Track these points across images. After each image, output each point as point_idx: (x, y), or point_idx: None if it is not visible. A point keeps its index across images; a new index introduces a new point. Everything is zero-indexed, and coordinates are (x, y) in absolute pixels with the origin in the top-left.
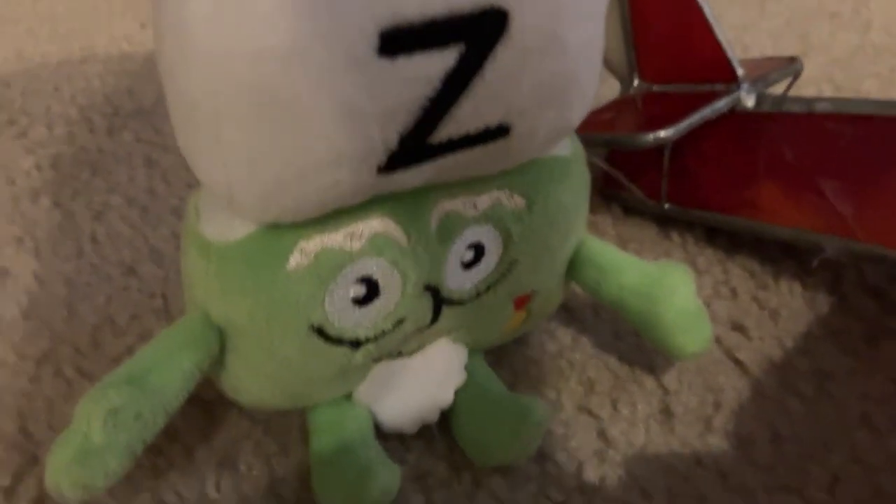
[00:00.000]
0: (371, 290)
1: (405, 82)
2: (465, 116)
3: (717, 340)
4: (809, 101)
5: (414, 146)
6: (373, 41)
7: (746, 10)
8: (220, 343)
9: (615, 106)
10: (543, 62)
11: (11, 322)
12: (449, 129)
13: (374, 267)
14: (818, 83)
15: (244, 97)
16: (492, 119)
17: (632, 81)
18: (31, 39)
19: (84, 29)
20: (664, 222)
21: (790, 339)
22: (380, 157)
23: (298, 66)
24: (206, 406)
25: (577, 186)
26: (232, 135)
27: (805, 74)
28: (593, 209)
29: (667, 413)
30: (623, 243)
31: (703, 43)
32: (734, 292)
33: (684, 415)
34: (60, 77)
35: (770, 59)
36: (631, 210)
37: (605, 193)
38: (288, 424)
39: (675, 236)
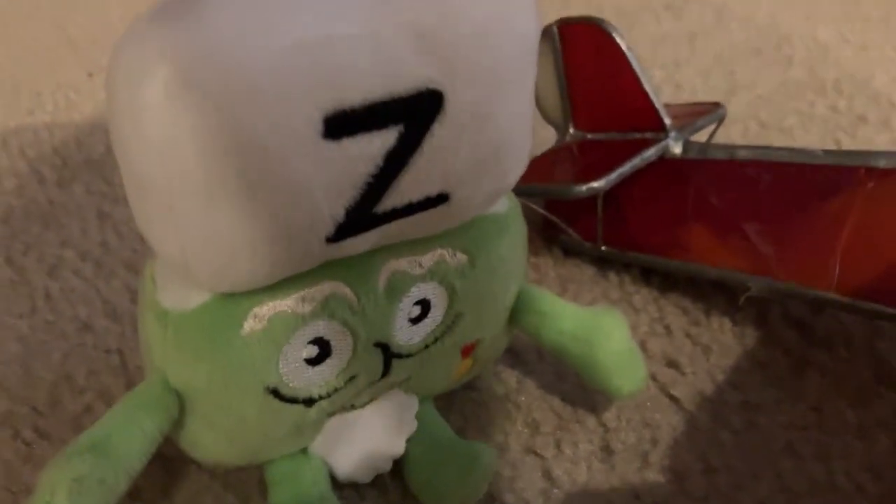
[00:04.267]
0: (323, 349)
1: (349, 161)
2: (407, 188)
3: (653, 377)
4: (731, 149)
5: (360, 217)
6: (318, 126)
7: (678, 47)
8: (178, 405)
9: (552, 155)
10: (477, 135)
11: None
12: (392, 199)
13: (326, 328)
14: (745, 121)
15: (196, 180)
16: (432, 189)
17: (567, 130)
18: None
19: (29, 77)
20: (602, 263)
21: (721, 373)
22: (328, 228)
23: (247, 151)
24: (166, 462)
25: (515, 240)
26: (185, 212)
27: (732, 112)
28: (535, 251)
29: (607, 450)
30: (563, 284)
31: (632, 94)
32: (668, 329)
33: (623, 451)
34: (8, 130)
35: (696, 104)
36: (570, 252)
37: (546, 236)
38: (247, 478)
39: (613, 276)
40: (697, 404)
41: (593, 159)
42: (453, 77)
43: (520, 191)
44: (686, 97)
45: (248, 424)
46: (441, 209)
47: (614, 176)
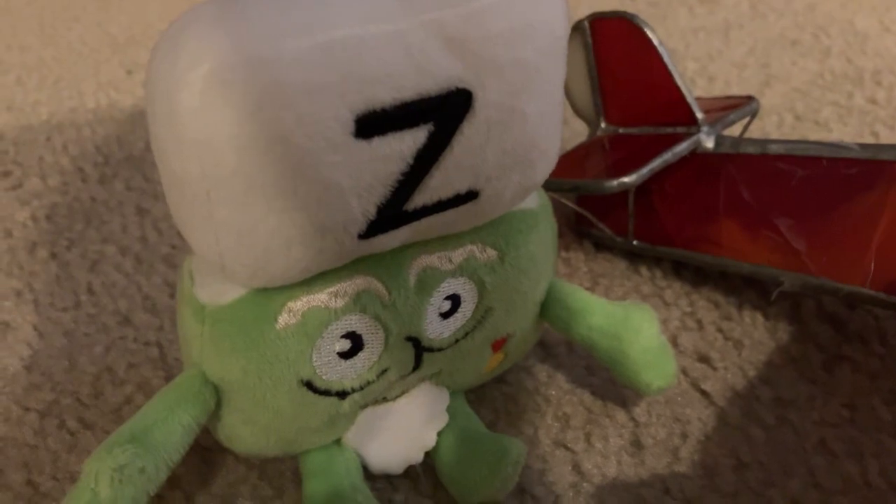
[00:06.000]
0: (355, 343)
1: (380, 160)
2: (437, 185)
3: (684, 372)
4: (764, 143)
5: (391, 214)
6: (349, 126)
7: (711, 39)
8: (216, 398)
9: (584, 149)
10: (506, 133)
11: (14, 375)
12: (422, 197)
13: (358, 323)
14: (780, 112)
15: (232, 179)
16: (461, 186)
17: (599, 124)
18: (21, 89)
19: (72, 76)
20: (633, 258)
21: (753, 368)
22: (360, 226)
23: (280, 151)
24: (204, 453)
25: (544, 236)
26: (222, 212)
27: (767, 104)
28: (566, 246)
29: (637, 445)
30: (595, 278)
31: (664, 88)
32: (700, 324)
33: (653, 446)
34: (51, 127)
35: (729, 97)
36: (602, 246)
37: (578, 230)
38: (282, 469)
39: (644, 271)
40: (728, 399)
41: (625, 154)
42: (482, 76)
43: (551, 186)
44: (720, 90)
45: (282, 416)
46: (470, 206)
47: (645, 171)
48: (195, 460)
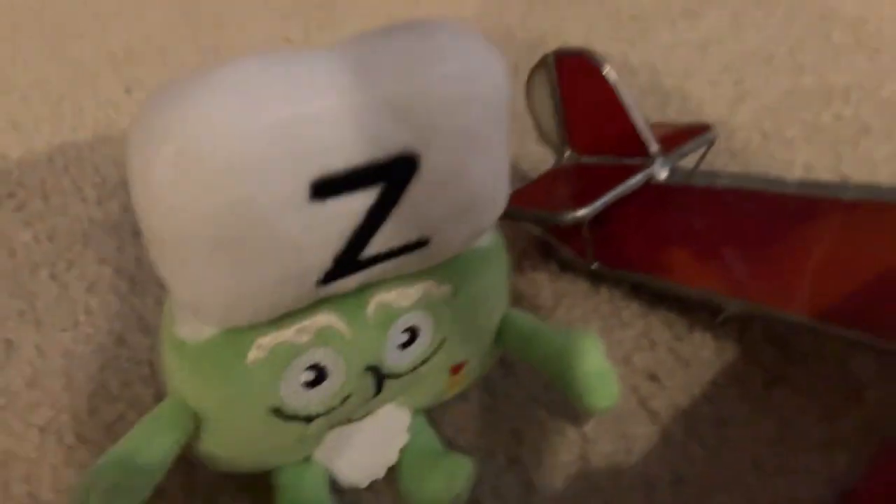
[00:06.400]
0: (320, 374)
1: (334, 218)
2: (388, 236)
3: (635, 390)
4: (713, 176)
5: (346, 263)
6: (305, 191)
7: (690, 55)
8: (195, 423)
9: (550, 177)
10: (451, 190)
11: (16, 392)
12: (375, 247)
13: (321, 356)
14: (748, 130)
15: (202, 241)
16: (411, 236)
17: (564, 152)
18: (25, 106)
19: (73, 94)
20: (595, 278)
21: (698, 387)
22: (318, 274)
23: (243, 215)
24: (187, 465)
25: (496, 273)
26: (194, 267)
27: (737, 122)
28: (533, 266)
29: (585, 460)
30: (558, 298)
31: (621, 122)
32: (653, 343)
33: (599, 461)
34: (53, 147)
35: (689, 126)
36: (566, 266)
37: (544, 251)
38: (259, 481)
39: (605, 291)
40: (673, 417)
41: (585, 184)
42: (427, 142)
43: (514, 214)
44: (693, 108)
45: (254, 439)
46: (421, 252)
47: (598, 204)
48: (179, 472)
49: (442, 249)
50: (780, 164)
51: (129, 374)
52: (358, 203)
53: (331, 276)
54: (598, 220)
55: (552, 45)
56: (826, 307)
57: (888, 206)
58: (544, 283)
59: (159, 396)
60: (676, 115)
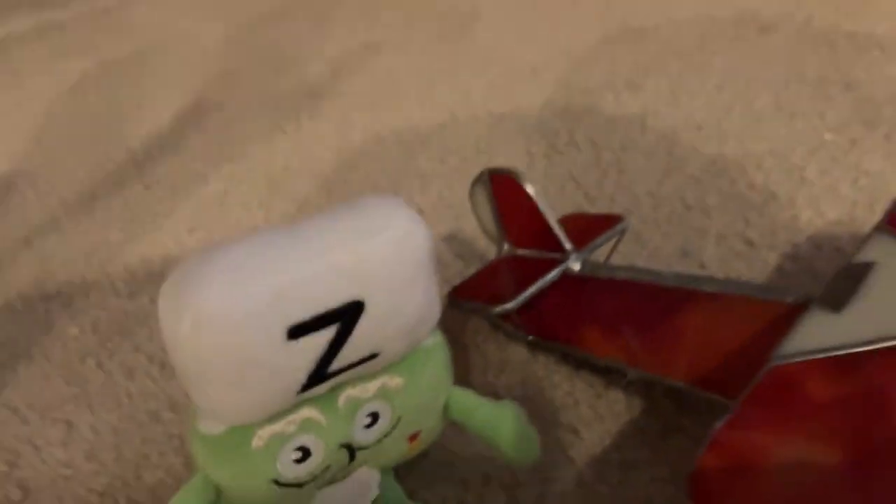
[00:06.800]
0: (305, 453)
1: (306, 350)
2: (346, 356)
3: (559, 442)
4: (613, 269)
5: (317, 378)
6: (284, 335)
7: (629, 127)
8: (216, 493)
9: (488, 269)
10: (392, 320)
11: (79, 465)
12: (337, 364)
13: (306, 439)
14: (672, 202)
15: (213, 375)
16: (364, 353)
17: (503, 245)
18: (63, 207)
19: (101, 192)
20: (533, 348)
21: (609, 437)
22: (297, 387)
23: (242, 356)
24: None
25: (437, 364)
26: (208, 387)
27: (664, 193)
28: (484, 339)
29: (515, 500)
30: (503, 364)
31: (542, 225)
32: (577, 401)
33: (527, 501)
34: (90, 247)
35: (606, 217)
36: (510, 338)
37: (492, 326)
38: None
39: (540, 358)
40: (587, 463)
41: (516, 275)
42: (370, 291)
43: (460, 307)
44: (627, 182)
45: (261, 502)
46: (374, 361)
47: (521, 298)
48: None
49: (390, 357)
50: (696, 233)
51: (164, 445)
52: (322, 338)
53: (306, 387)
54: (530, 302)
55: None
56: (697, 376)
57: (738, 298)
58: (493, 353)
59: (188, 463)
60: (614, 188)
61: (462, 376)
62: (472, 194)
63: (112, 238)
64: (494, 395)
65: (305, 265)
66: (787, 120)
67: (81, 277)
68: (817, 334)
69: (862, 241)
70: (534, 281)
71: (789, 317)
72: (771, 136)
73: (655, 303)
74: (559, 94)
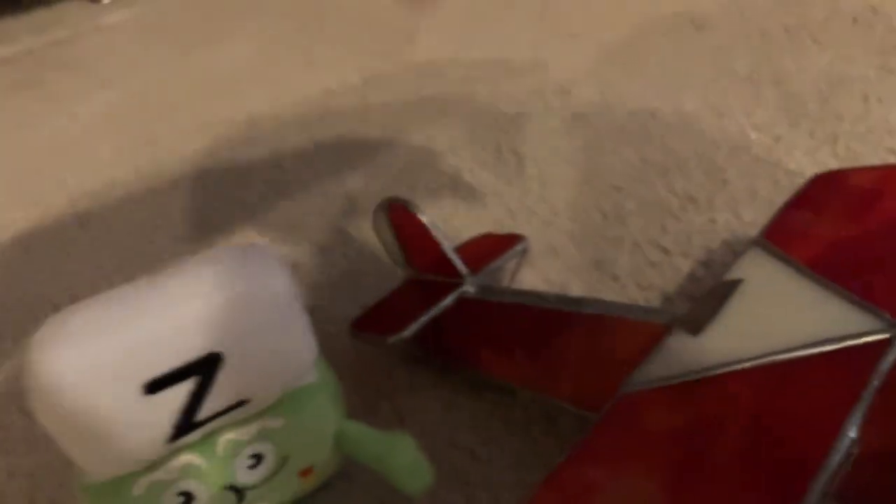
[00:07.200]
0: (188, 497)
1: (166, 403)
2: (211, 405)
3: (455, 466)
4: (502, 293)
5: (184, 427)
6: (140, 390)
7: (556, 136)
8: None
9: (392, 296)
10: (255, 367)
11: None
12: (203, 413)
13: (187, 485)
14: (589, 211)
15: (71, 430)
16: (231, 400)
17: (406, 268)
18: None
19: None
20: (443, 369)
21: (507, 457)
22: (165, 437)
23: (97, 412)
24: None
25: (323, 401)
26: (73, 444)
27: (580, 202)
28: (392, 363)
29: None
30: (413, 389)
31: (438, 251)
32: (475, 424)
33: None
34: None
35: (508, 238)
36: (421, 360)
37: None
38: None
39: (449, 380)
40: (483, 485)
41: (415, 301)
42: (226, 343)
43: (358, 338)
44: (550, 193)
45: None
46: (246, 406)
47: (416, 326)
48: None
49: (263, 402)
50: (611, 243)
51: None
52: (182, 390)
53: (175, 436)
54: (435, 326)
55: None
56: (581, 397)
57: (618, 319)
58: (402, 376)
59: None
60: (535, 201)
61: (371, 399)
62: (374, 220)
63: (42, 279)
64: (400, 418)
65: (158, 321)
66: (715, 119)
67: (10, 320)
68: (671, 359)
69: (738, 254)
70: (434, 306)
71: (662, 338)
72: (696, 137)
73: (541, 325)
74: (489, 110)
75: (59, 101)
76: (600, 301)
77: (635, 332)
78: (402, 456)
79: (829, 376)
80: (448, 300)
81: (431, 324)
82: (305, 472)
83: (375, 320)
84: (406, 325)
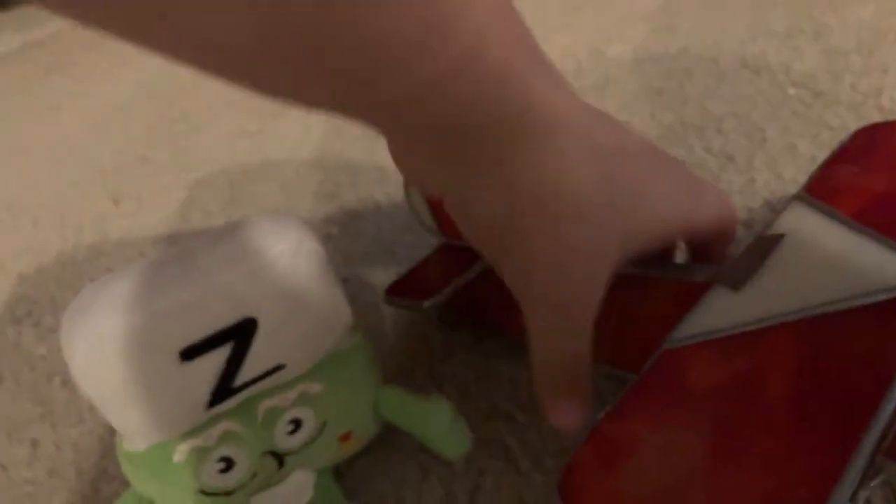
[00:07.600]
0: (229, 464)
1: (203, 369)
2: (249, 370)
3: (497, 429)
4: None
5: (222, 393)
6: (176, 357)
7: (591, 95)
8: None
9: (425, 262)
10: (290, 332)
11: (41, 482)
12: (241, 378)
13: (227, 451)
14: None
15: (113, 397)
16: (268, 365)
17: (441, 236)
18: (35, 230)
19: (73, 212)
20: (477, 334)
21: (546, 423)
22: (204, 403)
23: (137, 380)
24: None
25: (359, 366)
26: (115, 411)
27: None
28: (429, 325)
29: (451, 496)
30: (449, 354)
31: None
32: (515, 388)
33: (460, 495)
34: (60, 264)
35: None
36: (455, 325)
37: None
38: None
39: (485, 343)
40: (524, 451)
41: (445, 268)
42: (261, 308)
43: (391, 304)
44: None
45: None
46: (281, 373)
47: (440, 297)
48: None
49: (299, 366)
50: None
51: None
52: (219, 356)
53: (213, 403)
54: (468, 291)
55: None
56: (620, 357)
57: (657, 278)
58: (438, 342)
59: None
60: None
61: (407, 365)
62: (406, 193)
63: (79, 256)
64: (438, 383)
65: (192, 288)
66: (752, 76)
67: (50, 297)
68: (712, 315)
69: (778, 210)
70: (465, 272)
71: (700, 295)
72: (733, 95)
73: None
74: None
75: (92, 81)
76: (638, 260)
77: (674, 291)
78: (440, 421)
79: (880, 325)
80: (478, 265)
81: (466, 288)
82: (345, 438)
83: (410, 286)
84: (441, 289)
